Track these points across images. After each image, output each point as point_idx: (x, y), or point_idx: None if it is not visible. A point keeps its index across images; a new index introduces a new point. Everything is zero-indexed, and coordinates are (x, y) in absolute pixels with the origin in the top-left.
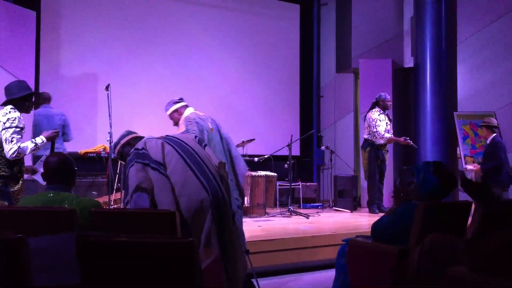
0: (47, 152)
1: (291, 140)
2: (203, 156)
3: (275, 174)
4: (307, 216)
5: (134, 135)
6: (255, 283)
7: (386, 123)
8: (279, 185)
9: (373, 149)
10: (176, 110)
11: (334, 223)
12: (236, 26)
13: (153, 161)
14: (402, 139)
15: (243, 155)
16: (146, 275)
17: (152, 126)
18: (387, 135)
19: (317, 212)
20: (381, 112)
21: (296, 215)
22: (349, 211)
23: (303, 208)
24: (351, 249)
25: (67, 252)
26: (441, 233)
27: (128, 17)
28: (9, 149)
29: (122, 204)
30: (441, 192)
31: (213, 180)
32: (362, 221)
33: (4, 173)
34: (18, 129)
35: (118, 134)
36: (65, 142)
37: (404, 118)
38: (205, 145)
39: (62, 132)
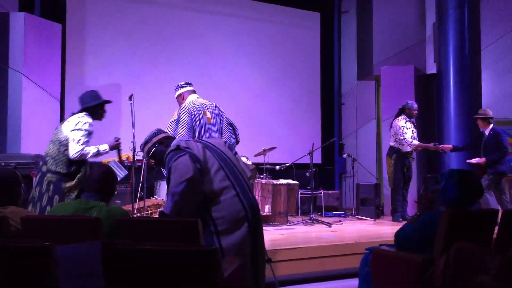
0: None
1: (312, 148)
2: (237, 165)
3: (297, 182)
4: (329, 224)
5: (165, 134)
6: None
7: (412, 130)
8: (301, 193)
9: (400, 156)
10: (180, 95)
11: (357, 231)
12: (256, 36)
13: (197, 159)
14: (431, 144)
15: (265, 163)
16: (170, 283)
17: None
18: (415, 142)
19: (339, 221)
20: (407, 119)
21: (318, 223)
22: (372, 219)
23: (325, 216)
24: (374, 258)
25: (93, 260)
26: (466, 242)
27: (150, 29)
28: (74, 149)
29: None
30: (461, 201)
31: (248, 192)
32: (385, 229)
33: (61, 170)
34: (86, 132)
35: (141, 143)
36: None
37: (427, 125)
38: (236, 152)
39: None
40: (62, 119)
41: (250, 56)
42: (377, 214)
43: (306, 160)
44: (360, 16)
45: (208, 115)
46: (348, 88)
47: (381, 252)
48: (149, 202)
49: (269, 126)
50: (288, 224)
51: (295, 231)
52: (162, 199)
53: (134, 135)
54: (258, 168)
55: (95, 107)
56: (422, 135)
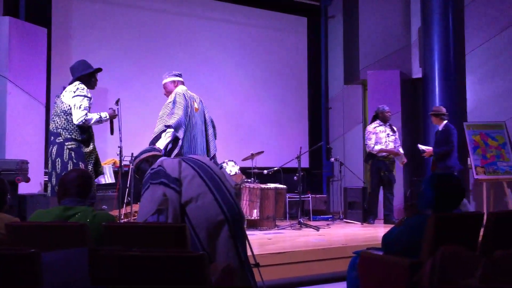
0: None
1: (300, 152)
2: (219, 173)
3: (285, 186)
4: (317, 228)
5: (154, 152)
6: None
7: (388, 134)
8: (289, 198)
9: (375, 161)
10: (174, 82)
11: (345, 235)
12: (243, 40)
13: (170, 178)
14: (395, 150)
15: (253, 168)
16: None
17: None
18: (377, 147)
19: (327, 224)
20: (381, 124)
21: (306, 227)
22: (360, 223)
23: (313, 220)
24: (362, 261)
25: (80, 267)
26: (453, 245)
27: (137, 34)
28: (77, 115)
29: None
30: (438, 205)
31: (229, 196)
32: (372, 233)
33: (77, 137)
34: (86, 98)
35: (127, 149)
36: None
37: (414, 129)
38: (221, 167)
39: None
40: (47, 124)
41: (237, 61)
42: (365, 217)
43: (294, 164)
44: (346, 21)
45: (196, 105)
46: (335, 92)
47: (368, 255)
48: (136, 207)
49: (257, 130)
50: (276, 228)
51: (283, 235)
52: None
53: (121, 140)
54: (246, 173)
55: (88, 75)
56: (408, 139)
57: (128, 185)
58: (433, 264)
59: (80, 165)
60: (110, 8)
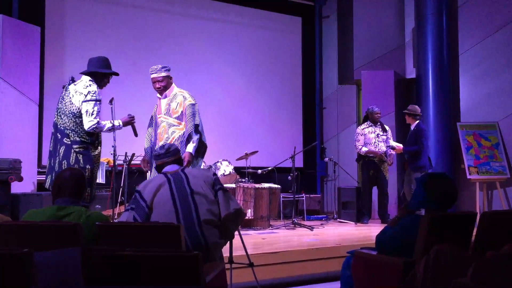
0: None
1: (294, 152)
2: (200, 201)
3: (279, 186)
4: (311, 228)
5: (172, 158)
6: None
7: (378, 134)
8: (283, 197)
9: (365, 161)
10: (171, 77)
11: (339, 235)
12: (238, 40)
13: (140, 206)
14: (379, 152)
15: (247, 167)
16: None
17: None
18: (364, 149)
19: (321, 224)
20: (370, 125)
21: (300, 227)
22: (354, 222)
23: (307, 220)
24: (356, 261)
25: (73, 266)
26: (446, 244)
27: (131, 33)
28: (89, 122)
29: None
30: (429, 205)
31: (197, 227)
32: (366, 232)
33: (85, 140)
34: (98, 102)
35: (121, 148)
36: None
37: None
38: (219, 188)
39: None
40: (41, 123)
41: (232, 60)
42: (359, 217)
43: (288, 164)
44: (341, 21)
45: None
46: (329, 92)
47: (362, 255)
48: None
49: (251, 130)
50: (270, 228)
51: (277, 235)
52: None
53: (114, 139)
54: (240, 172)
55: (104, 74)
56: (402, 139)
57: (122, 185)
58: (426, 263)
59: (87, 168)
60: (104, 7)
